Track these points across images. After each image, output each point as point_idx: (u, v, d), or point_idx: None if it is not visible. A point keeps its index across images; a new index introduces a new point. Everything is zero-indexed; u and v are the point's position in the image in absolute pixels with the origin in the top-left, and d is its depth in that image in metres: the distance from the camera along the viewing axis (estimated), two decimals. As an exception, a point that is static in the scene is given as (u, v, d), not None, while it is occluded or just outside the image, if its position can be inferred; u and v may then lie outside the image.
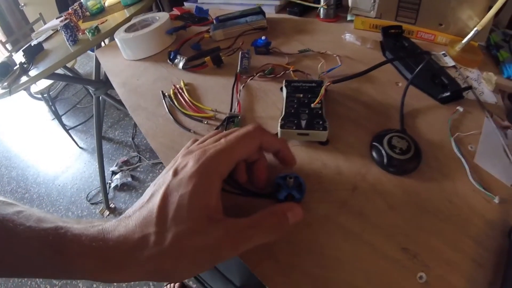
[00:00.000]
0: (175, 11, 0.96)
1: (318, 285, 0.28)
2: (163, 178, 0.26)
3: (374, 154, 0.36)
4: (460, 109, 0.41)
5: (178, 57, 0.63)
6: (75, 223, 0.25)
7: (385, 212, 0.32)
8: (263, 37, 0.60)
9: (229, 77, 0.57)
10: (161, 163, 1.88)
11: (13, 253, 0.24)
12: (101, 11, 1.60)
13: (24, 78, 1.20)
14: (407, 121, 0.40)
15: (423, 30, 0.57)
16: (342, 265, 0.29)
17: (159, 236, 0.23)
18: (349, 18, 0.68)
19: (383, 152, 0.35)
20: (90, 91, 1.66)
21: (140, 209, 0.25)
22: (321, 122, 0.38)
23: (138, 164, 1.94)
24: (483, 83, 0.47)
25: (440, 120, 0.40)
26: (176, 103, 0.53)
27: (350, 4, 0.64)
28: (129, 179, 1.83)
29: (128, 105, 0.59)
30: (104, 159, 1.67)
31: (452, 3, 0.51)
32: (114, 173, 1.87)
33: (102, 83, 1.58)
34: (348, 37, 0.61)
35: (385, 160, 0.35)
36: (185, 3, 0.99)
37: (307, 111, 0.41)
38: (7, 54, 2.32)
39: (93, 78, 1.61)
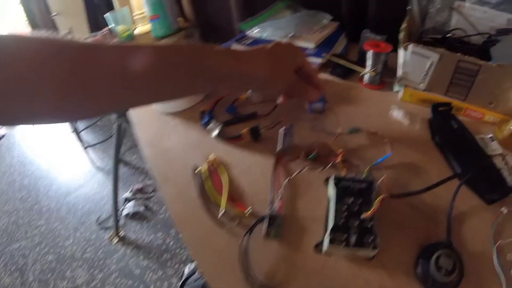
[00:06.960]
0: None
1: None
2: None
3: (420, 273, 0.34)
4: (504, 210, 0.40)
5: (213, 121, 0.59)
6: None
7: None
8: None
9: (268, 155, 0.52)
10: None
11: None
12: (131, 39, 1.59)
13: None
14: (453, 226, 0.38)
15: (472, 108, 0.54)
16: None
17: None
18: (396, 88, 0.63)
19: (430, 273, 0.33)
20: (113, 117, 1.64)
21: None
22: (371, 239, 0.35)
23: (152, 194, 1.88)
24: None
25: (485, 225, 0.39)
26: (207, 186, 0.48)
27: (399, 74, 0.59)
28: (142, 208, 1.77)
29: (156, 172, 0.54)
30: (118, 183, 1.62)
31: (507, 84, 0.49)
32: (127, 200, 1.82)
33: (125, 111, 1.56)
34: (396, 114, 0.56)
35: (430, 282, 0.33)
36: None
37: (357, 224, 0.37)
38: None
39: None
